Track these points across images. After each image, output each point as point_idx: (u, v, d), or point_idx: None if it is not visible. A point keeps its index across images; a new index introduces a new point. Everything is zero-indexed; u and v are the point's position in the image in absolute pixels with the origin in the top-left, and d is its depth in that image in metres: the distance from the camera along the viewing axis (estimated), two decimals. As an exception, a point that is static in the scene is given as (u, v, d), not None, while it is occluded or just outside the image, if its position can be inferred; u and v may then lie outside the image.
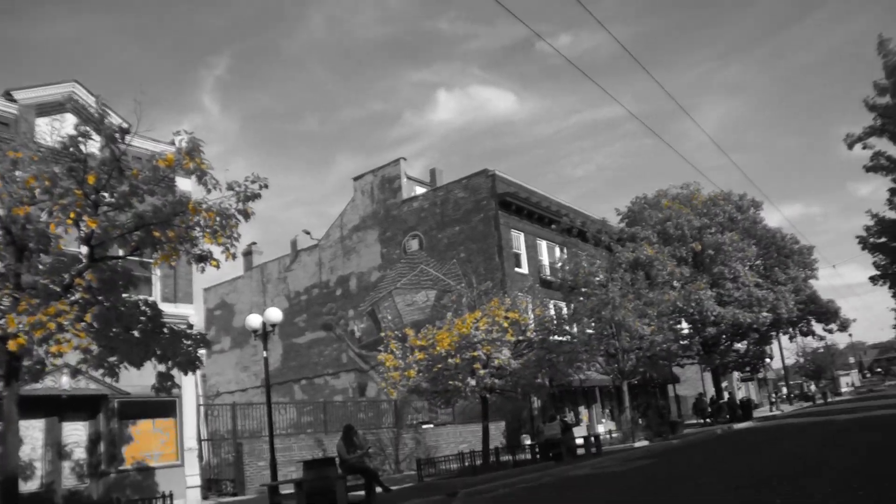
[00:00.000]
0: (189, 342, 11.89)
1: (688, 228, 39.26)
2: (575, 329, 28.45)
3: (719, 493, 11.11)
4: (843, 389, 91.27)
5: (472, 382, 20.46)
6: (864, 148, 24.50)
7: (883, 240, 25.43)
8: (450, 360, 20.16)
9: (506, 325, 21.11)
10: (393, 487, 17.78)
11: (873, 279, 27.21)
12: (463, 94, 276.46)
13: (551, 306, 30.77)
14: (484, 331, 20.47)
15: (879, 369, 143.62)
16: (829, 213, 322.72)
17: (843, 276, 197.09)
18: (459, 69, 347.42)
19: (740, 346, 45.07)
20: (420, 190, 39.81)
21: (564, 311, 30.31)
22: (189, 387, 19.93)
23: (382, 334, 24.92)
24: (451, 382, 20.50)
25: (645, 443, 29.54)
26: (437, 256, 36.46)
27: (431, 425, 30.03)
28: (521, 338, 22.35)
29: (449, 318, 22.26)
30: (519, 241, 36.14)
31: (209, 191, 10.58)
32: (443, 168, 56.30)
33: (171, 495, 16.20)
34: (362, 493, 15.51)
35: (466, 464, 22.25)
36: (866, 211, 25.98)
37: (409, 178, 40.22)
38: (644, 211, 41.27)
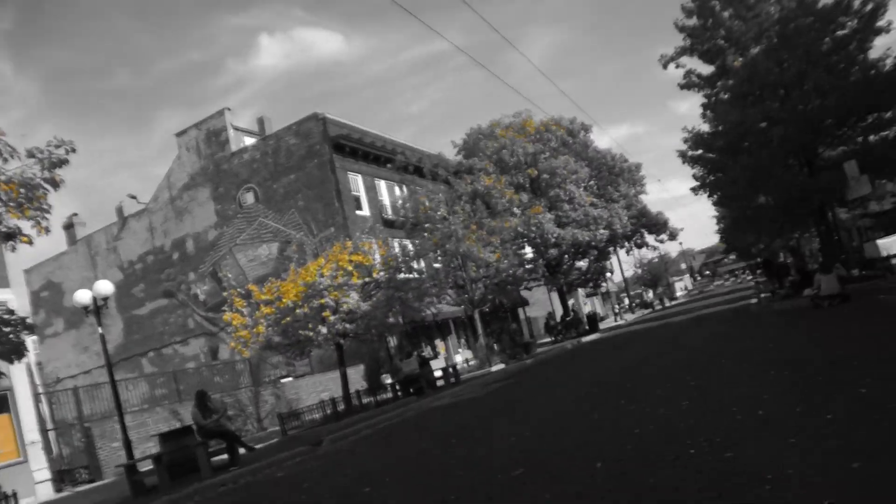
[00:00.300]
0: (9, 329, 11.14)
1: (523, 155, 40.61)
2: (422, 265, 28.99)
3: (570, 400, 11.90)
4: (678, 293, 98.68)
5: (324, 330, 20.53)
6: (677, 67, 26.26)
7: (699, 152, 27.43)
8: (298, 311, 20.11)
9: (350, 268, 21.23)
10: (257, 445, 17.73)
11: (694, 190, 29.39)
12: (286, 38, 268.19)
13: (395, 245, 31.18)
14: (329, 277, 20.50)
15: (707, 272, 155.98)
16: (653, 132, 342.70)
17: (669, 190, 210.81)
18: (281, 12, 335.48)
19: (582, 263, 47.62)
20: (249, 141, 38.61)
21: (410, 248, 30.76)
22: (20, 377, 18.76)
23: (226, 294, 24.36)
24: (301, 333, 20.48)
25: (501, 366, 30.87)
26: (275, 207, 35.77)
27: (290, 378, 29.94)
28: (367, 280, 22.56)
29: (293, 268, 22.09)
30: (357, 183, 36.04)
31: (5, 160, 9.83)
32: (272, 116, 54.74)
33: (14, 495, 15.34)
34: (226, 456, 15.36)
35: (329, 411, 22.45)
36: (682, 128, 27.94)
37: (236, 129, 38.85)
38: (479, 142, 42.24)
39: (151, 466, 14.61)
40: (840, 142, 24.13)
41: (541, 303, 57.96)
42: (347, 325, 21.17)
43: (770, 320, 20.44)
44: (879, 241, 32.39)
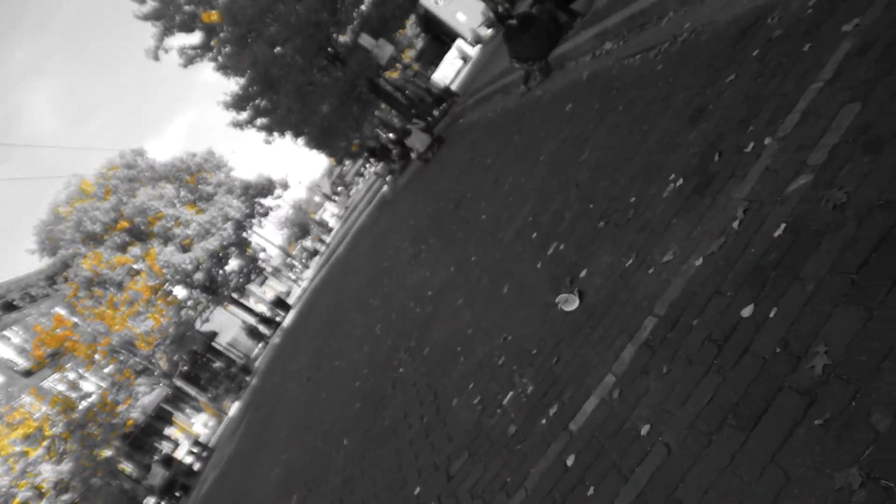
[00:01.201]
0: None
1: (103, 216, 38.11)
2: (92, 382, 26.76)
3: (300, 400, 12.05)
4: (332, 223, 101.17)
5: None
6: (167, 52, 25.79)
7: (244, 108, 27.46)
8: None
9: (19, 448, 18.91)
10: None
11: (266, 141, 29.50)
12: None
13: (54, 384, 28.40)
14: (4, 474, 18.14)
15: (340, 188, 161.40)
16: (205, 109, 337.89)
17: (255, 149, 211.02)
18: None
19: (231, 265, 46.66)
20: None
21: (69, 376, 28.11)
22: None
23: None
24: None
25: (235, 405, 30.10)
26: None
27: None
28: (46, 442, 20.26)
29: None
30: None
31: None
32: None
33: None
34: None
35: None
36: (217, 102, 27.59)
37: None
38: (53, 234, 38.74)
39: None
40: (346, 22, 25.74)
41: (229, 322, 56.46)
42: (64, 498, 19.09)
43: (401, 197, 22.00)
44: (434, 77, 35.73)
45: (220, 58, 25.70)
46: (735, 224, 3.09)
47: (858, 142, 2.74)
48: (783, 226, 2.79)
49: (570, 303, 4.07)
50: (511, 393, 4.02)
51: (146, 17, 24.75)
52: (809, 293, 2.43)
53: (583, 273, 4.25)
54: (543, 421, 3.46)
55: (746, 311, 2.65)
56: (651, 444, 2.66)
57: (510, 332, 4.69)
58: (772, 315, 2.52)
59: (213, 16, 23.27)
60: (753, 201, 3.09)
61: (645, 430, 2.73)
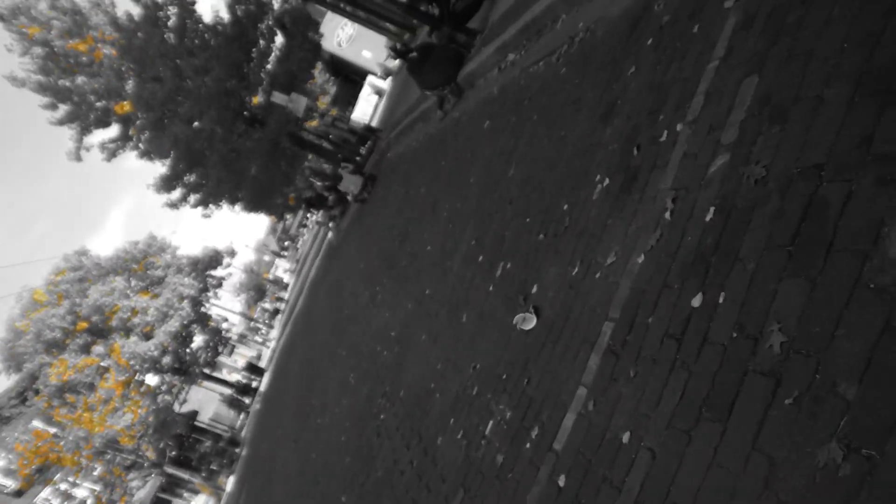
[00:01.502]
0: None
1: (60, 320, 37.15)
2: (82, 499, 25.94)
3: (294, 469, 11.76)
4: (286, 280, 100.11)
5: None
6: (89, 151, 25.36)
7: (174, 188, 27.14)
8: None
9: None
10: None
11: (204, 215, 29.15)
12: None
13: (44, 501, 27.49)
14: None
15: (287, 242, 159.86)
16: (140, 195, 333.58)
17: (197, 224, 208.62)
18: None
19: (196, 342, 45.69)
20: None
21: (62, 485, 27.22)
22: None
23: None
24: None
25: (231, 479, 29.44)
26: None
27: None
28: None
29: None
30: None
31: None
32: None
33: None
34: None
35: None
36: (147, 185, 27.31)
37: None
38: (15, 350, 37.64)
39: None
40: (255, 85, 25.58)
41: (206, 398, 55.31)
42: None
43: (347, 242, 21.84)
44: (353, 116, 35.76)
45: (141, 145, 25.29)
46: (667, 215, 3.08)
47: (764, 114, 2.75)
48: (712, 209, 2.78)
49: (528, 321, 4.02)
50: (491, 422, 3.94)
51: (61, 122, 24.22)
52: (752, 272, 2.41)
53: (534, 289, 4.21)
54: (528, 445, 3.39)
55: (696, 301, 2.63)
56: (635, 451, 2.61)
57: (478, 360, 4.62)
58: (721, 300, 2.50)
59: (126, 106, 22.96)
60: (679, 189, 3.08)
61: (626, 437, 2.68)
